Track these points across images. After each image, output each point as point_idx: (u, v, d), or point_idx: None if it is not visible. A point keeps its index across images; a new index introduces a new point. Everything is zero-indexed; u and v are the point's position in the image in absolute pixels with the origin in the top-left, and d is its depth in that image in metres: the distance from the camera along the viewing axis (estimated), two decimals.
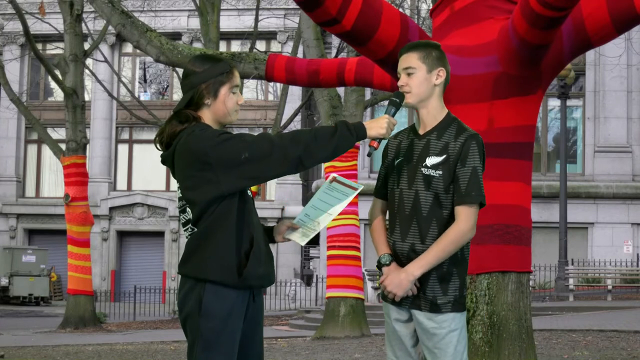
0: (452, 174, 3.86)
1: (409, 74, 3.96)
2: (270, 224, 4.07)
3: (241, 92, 3.89)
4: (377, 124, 3.76)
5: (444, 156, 3.88)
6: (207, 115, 3.78)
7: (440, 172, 3.86)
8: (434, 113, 3.98)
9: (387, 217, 4.09)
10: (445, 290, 3.87)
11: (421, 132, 3.99)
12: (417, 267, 3.82)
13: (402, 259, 3.92)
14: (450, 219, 3.87)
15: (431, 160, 3.90)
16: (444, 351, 3.87)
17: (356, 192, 3.93)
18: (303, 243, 3.96)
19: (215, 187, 3.62)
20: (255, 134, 3.68)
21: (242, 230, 3.66)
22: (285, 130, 25.91)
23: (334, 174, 4.03)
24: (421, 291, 3.87)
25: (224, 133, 3.65)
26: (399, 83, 3.99)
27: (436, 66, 3.96)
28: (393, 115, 3.89)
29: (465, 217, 3.84)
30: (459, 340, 3.89)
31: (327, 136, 3.64)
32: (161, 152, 3.82)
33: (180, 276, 3.75)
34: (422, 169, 3.89)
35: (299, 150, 3.61)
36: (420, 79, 3.94)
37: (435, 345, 3.88)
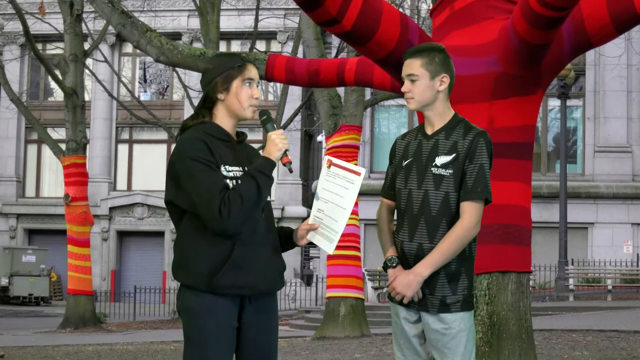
0: (462, 172, 3.85)
1: (412, 81, 3.96)
2: None
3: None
4: (273, 147, 3.71)
5: (454, 155, 3.87)
6: (221, 111, 3.78)
7: (451, 171, 3.85)
8: (440, 115, 3.97)
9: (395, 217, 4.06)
10: (455, 289, 3.86)
11: (429, 132, 3.98)
12: (425, 267, 3.80)
13: (409, 259, 3.89)
14: (458, 217, 3.85)
15: (441, 160, 3.88)
16: (453, 351, 3.85)
17: (361, 178, 3.85)
18: (331, 251, 3.86)
19: (171, 193, 3.69)
20: (212, 187, 3.60)
21: (218, 237, 3.63)
22: (285, 131, 25.96)
23: (330, 157, 3.98)
24: (429, 292, 3.85)
25: (198, 161, 3.61)
26: (402, 89, 3.99)
27: (440, 72, 3.94)
28: (273, 128, 3.82)
29: (470, 214, 3.82)
30: (468, 339, 3.88)
31: (255, 197, 3.61)
32: None
33: None
34: (432, 169, 3.88)
35: (235, 222, 3.58)
36: (423, 86, 3.94)
37: (445, 345, 3.86)
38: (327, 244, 3.86)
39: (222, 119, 3.77)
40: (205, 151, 3.63)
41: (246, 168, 3.72)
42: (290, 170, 3.85)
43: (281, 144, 3.71)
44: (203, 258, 3.62)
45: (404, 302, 3.87)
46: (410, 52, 4.00)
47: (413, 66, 3.96)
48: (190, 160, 3.61)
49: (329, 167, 3.93)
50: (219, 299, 3.63)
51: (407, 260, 3.90)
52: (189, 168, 3.60)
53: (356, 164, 16.60)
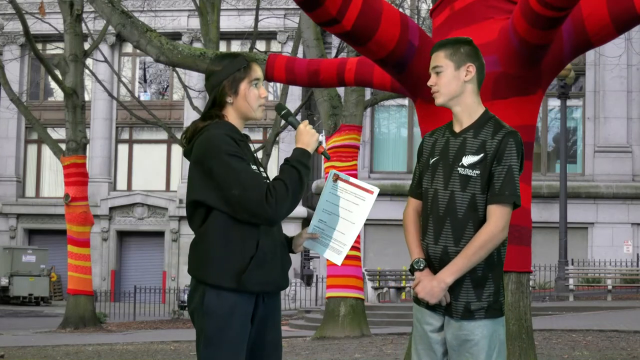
0: (489, 173, 3.73)
1: (437, 73, 3.85)
2: None
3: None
4: (307, 138, 3.76)
5: (481, 155, 3.74)
6: (231, 113, 3.78)
7: (478, 172, 3.73)
8: (468, 110, 3.84)
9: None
10: (480, 295, 3.74)
11: (457, 130, 3.85)
12: (449, 273, 3.69)
13: (434, 262, 3.79)
14: (485, 220, 3.74)
15: (468, 160, 3.76)
16: (475, 356, 3.74)
17: (374, 196, 3.85)
18: (339, 262, 3.89)
19: (201, 193, 3.66)
20: (256, 177, 3.64)
21: (244, 235, 3.64)
22: (285, 131, 25.97)
23: (335, 171, 3.96)
24: (453, 297, 3.75)
25: (234, 155, 3.62)
26: (429, 83, 3.89)
27: (465, 62, 3.83)
28: (296, 124, 3.83)
29: (496, 218, 3.69)
30: (491, 346, 3.76)
31: (298, 184, 3.68)
32: (184, 148, 3.86)
33: None
34: (459, 169, 3.76)
35: (280, 211, 3.62)
36: (449, 77, 3.82)
37: (468, 350, 3.75)
38: (335, 255, 3.89)
39: (233, 120, 3.78)
40: (237, 147, 3.67)
41: (260, 168, 3.75)
42: (328, 157, 3.91)
43: (314, 134, 3.76)
44: (230, 256, 3.63)
45: (429, 304, 3.78)
46: (436, 46, 3.90)
47: (438, 58, 3.85)
48: (226, 155, 3.61)
49: (335, 181, 3.93)
50: (241, 298, 3.64)
51: (432, 264, 3.80)
52: (228, 162, 3.60)
53: (356, 164, 16.55)
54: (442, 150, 3.85)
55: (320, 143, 3.78)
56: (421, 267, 3.80)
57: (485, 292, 3.76)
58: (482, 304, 3.75)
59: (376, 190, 3.90)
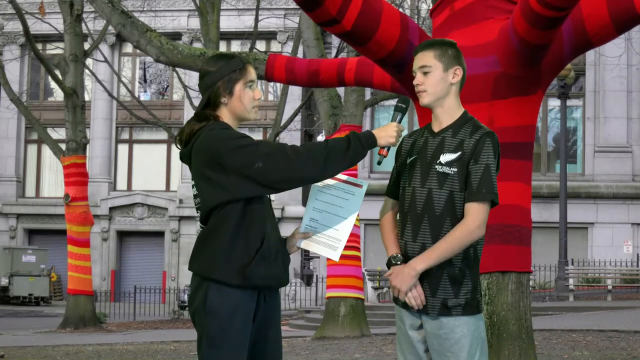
0: (466, 171, 3.78)
1: (424, 73, 3.87)
2: None
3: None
4: (386, 133, 3.75)
5: (459, 153, 3.79)
6: (225, 114, 3.79)
7: (455, 170, 3.77)
8: (450, 112, 3.89)
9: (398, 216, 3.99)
10: (457, 292, 3.77)
11: (436, 129, 3.90)
12: (420, 261, 3.72)
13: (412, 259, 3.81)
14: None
15: (445, 157, 3.80)
16: (456, 355, 3.76)
17: (363, 190, 3.88)
18: (337, 258, 3.90)
19: (224, 193, 3.66)
20: (274, 143, 3.69)
21: (250, 229, 3.66)
22: (285, 131, 25.96)
23: None
24: (430, 294, 3.77)
25: (242, 137, 3.65)
26: (415, 82, 3.91)
27: (453, 65, 3.87)
28: (400, 121, 3.85)
29: (474, 215, 3.74)
30: (472, 344, 3.78)
31: (342, 152, 3.66)
32: (180, 150, 3.85)
33: None
34: (437, 166, 3.80)
35: (314, 169, 3.63)
36: (437, 78, 3.86)
37: (448, 349, 3.77)
38: (330, 252, 3.90)
39: (227, 121, 3.79)
40: (239, 132, 3.69)
41: None
42: (379, 163, 3.90)
43: (395, 138, 3.75)
44: (236, 250, 3.64)
45: (399, 297, 3.79)
46: (422, 45, 3.93)
47: (426, 58, 3.87)
48: (233, 140, 3.63)
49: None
50: (244, 295, 3.65)
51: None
52: (238, 145, 3.62)
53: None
54: (421, 150, 3.89)
55: (389, 148, 3.77)
56: (398, 263, 3.84)
57: (463, 289, 3.79)
58: (460, 300, 3.78)
59: (365, 184, 3.92)
